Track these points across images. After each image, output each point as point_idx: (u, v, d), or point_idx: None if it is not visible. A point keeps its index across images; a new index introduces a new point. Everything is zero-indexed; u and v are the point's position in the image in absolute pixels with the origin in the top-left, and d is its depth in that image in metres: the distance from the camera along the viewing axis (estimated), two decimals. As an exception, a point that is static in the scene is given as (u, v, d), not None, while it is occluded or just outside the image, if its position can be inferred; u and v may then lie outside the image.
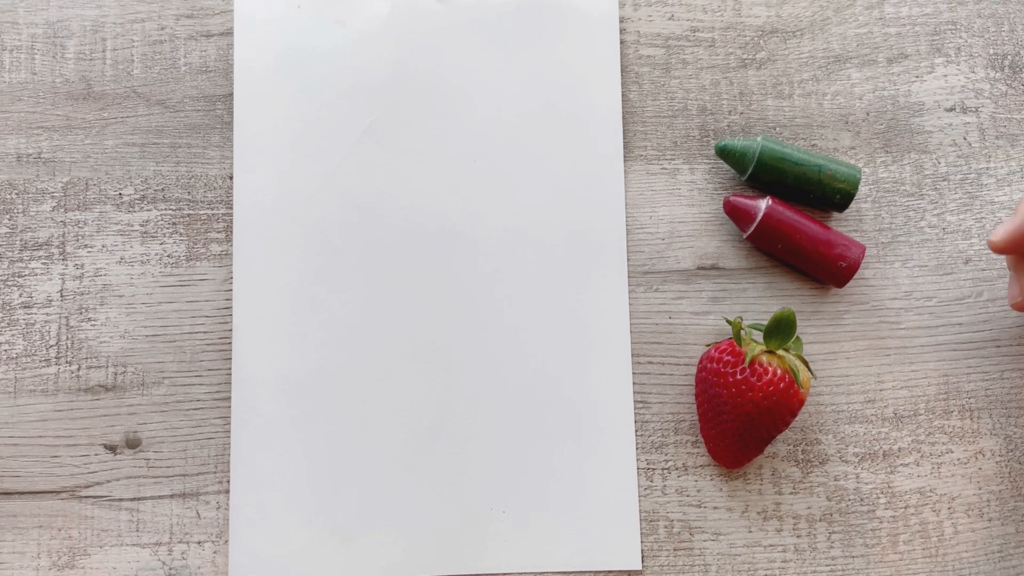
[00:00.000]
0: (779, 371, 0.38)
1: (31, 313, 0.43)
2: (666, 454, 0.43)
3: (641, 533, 0.42)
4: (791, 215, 0.42)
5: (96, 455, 0.42)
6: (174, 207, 0.44)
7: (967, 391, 0.43)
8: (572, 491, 0.42)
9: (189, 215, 0.44)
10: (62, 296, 0.43)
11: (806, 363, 0.39)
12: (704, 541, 0.42)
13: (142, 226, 0.44)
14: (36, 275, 0.43)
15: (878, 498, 0.42)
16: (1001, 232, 0.37)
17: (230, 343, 0.43)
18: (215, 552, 0.41)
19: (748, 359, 0.38)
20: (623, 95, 0.45)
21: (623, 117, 0.45)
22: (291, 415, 0.42)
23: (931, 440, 0.43)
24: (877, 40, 0.46)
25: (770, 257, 0.44)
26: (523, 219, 0.44)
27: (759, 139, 0.43)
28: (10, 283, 0.43)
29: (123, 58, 0.45)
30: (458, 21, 0.45)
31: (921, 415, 0.43)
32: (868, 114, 0.45)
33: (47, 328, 0.43)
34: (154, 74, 0.45)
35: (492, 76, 0.45)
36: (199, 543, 0.42)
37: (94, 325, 0.43)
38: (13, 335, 0.43)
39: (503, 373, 0.43)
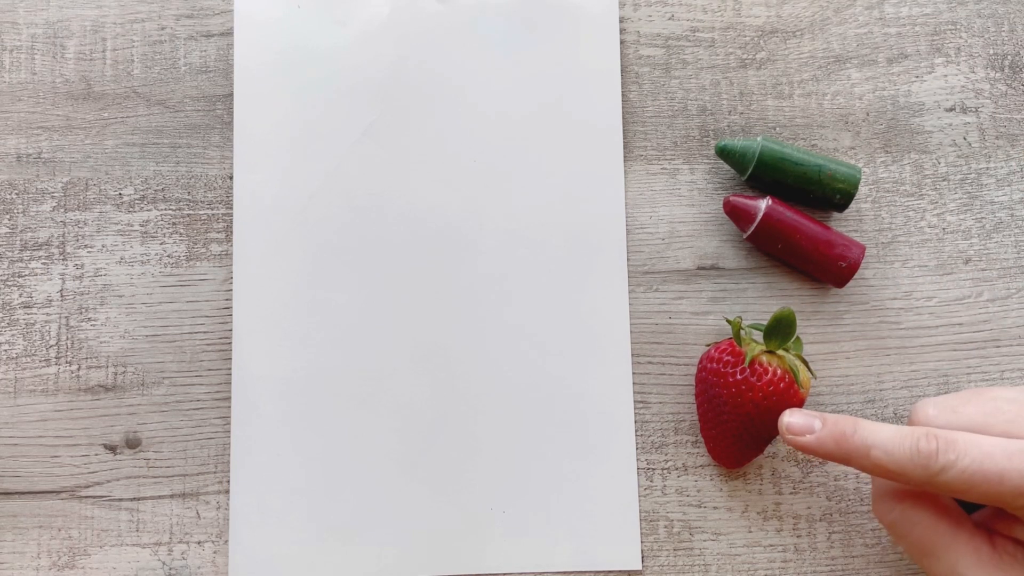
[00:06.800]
0: (779, 371, 0.38)
1: (31, 313, 0.43)
2: (666, 454, 0.43)
3: (641, 533, 0.42)
4: (791, 215, 0.42)
5: (96, 455, 0.42)
6: (174, 207, 0.44)
7: (967, 391, 0.43)
8: (572, 491, 0.42)
9: (189, 215, 0.44)
10: (62, 296, 0.43)
11: (806, 363, 0.39)
12: (704, 541, 0.42)
13: (142, 226, 0.44)
14: (36, 275, 0.43)
15: (878, 498, 0.42)
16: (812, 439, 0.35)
17: (230, 343, 0.43)
18: (215, 552, 0.41)
19: (748, 359, 0.38)
20: (623, 95, 0.45)
21: (623, 117, 0.45)
22: (291, 415, 0.42)
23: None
24: (877, 40, 0.46)
25: (770, 257, 0.44)
26: (523, 219, 0.44)
27: (759, 139, 0.43)
28: (10, 283, 0.43)
29: (123, 58, 0.45)
30: (458, 21, 0.45)
31: (921, 415, 0.43)
32: (868, 114, 0.45)
33: (47, 328, 0.43)
34: (154, 74, 0.45)
35: (492, 76, 0.45)
36: (199, 543, 0.41)
37: (94, 325, 0.43)
38: (13, 335, 0.43)
39: (503, 373, 0.43)
